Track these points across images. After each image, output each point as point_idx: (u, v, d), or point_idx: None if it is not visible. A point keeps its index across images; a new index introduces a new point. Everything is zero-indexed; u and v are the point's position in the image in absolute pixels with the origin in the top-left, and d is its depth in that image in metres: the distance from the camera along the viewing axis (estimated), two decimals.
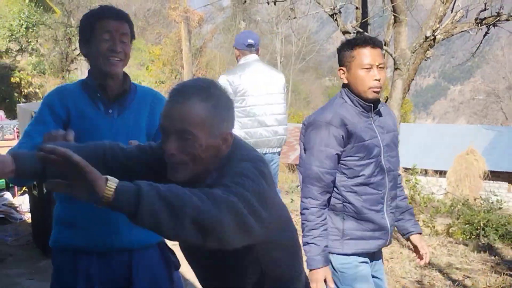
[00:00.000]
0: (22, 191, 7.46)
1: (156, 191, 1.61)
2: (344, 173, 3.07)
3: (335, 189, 3.12)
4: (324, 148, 3.01)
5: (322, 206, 3.04)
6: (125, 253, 2.62)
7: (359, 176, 3.05)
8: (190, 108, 1.90)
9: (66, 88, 2.74)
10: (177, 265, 2.87)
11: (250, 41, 5.69)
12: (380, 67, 2.99)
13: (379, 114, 3.13)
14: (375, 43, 3.00)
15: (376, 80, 2.96)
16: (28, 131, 2.59)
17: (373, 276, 3.28)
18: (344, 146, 3.03)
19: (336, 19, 9.22)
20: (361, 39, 3.08)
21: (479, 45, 8.83)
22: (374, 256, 3.27)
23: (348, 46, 3.04)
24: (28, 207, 6.68)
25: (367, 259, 3.21)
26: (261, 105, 5.51)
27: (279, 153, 5.77)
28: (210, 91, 1.96)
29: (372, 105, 3.04)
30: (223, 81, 5.46)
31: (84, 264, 2.57)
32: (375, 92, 2.99)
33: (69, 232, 2.60)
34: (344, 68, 3.06)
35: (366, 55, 2.96)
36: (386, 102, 8.72)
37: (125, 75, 2.72)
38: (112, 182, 1.59)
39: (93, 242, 2.55)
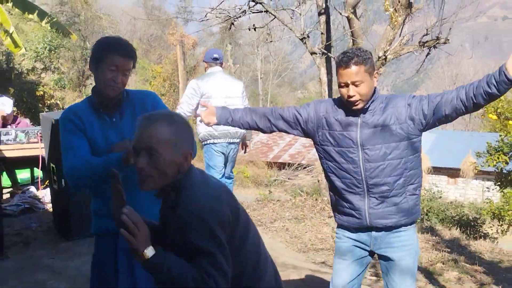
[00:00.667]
0: (44, 185, 7.41)
1: (167, 273, 1.90)
2: (324, 157, 3.07)
3: (324, 171, 3.15)
4: (304, 105, 3.19)
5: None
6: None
7: (333, 161, 3.02)
8: (155, 130, 2.00)
9: (76, 106, 2.82)
10: None
11: (215, 55, 6.18)
12: (355, 84, 2.84)
13: (370, 112, 2.96)
14: (347, 64, 2.84)
15: (349, 95, 2.86)
16: (71, 145, 2.66)
17: (380, 256, 3.14)
18: (311, 125, 3.09)
19: (305, 43, 9.23)
20: (339, 59, 2.91)
21: (422, 64, 8.88)
22: (374, 235, 3.08)
23: (335, 62, 2.98)
24: (50, 198, 6.62)
25: (354, 236, 3.12)
26: (222, 105, 5.75)
27: (237, 143, 6.17)
28: (173, 118, 2.08)
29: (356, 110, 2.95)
30: (193, 84, 5.98)
31: (123, 243, 2.51)
32: (353, 105, 2.90)
33: (105, 220, 2.64)
34: None
35: (341, 75, 2.88)
36: None
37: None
38: (148, 252, 1.91)
39: None
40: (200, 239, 1.91)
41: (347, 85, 2.86)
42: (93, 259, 2.86)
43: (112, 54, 2.64)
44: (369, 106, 2.93)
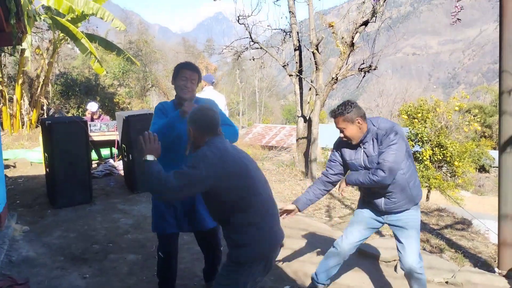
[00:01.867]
0: (119, 158, 7.45)
1: (148, 169, 2.02)
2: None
3: None
4: (331, 155, 2.99)
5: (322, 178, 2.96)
6: None
7: None
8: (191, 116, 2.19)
9: (165, 103, 2.84)
10: None
11: (214, 80, 6.51)
12: (342, 130, 2.71)
13: (367, 144, 2.73)
14: (334, 117, 2.72)
15: (342, 137, 2.75)
16: (154, 121, 2.72)
17: (392, 225, 2.86)
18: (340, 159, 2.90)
19: (286, 68, 9.18)
20: (332, 112, 2.76)
21: (360, 82, 8.82)
22: (385, 212, 2.83)
23: None
24: (122, 167, 6.66)
25: (368, 210, 2.91)
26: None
27: None
28: (197, 113, 2.18)
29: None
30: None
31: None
32: (350, 142, 2.75)
33: None
34: None
35: (334, 123, 2.75)
36: (311, 113, 8.70)
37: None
38: (148, 157, 2.04)
39: None
40: (189, 164, 2.01)
41: (340, 130, 2.76)
42: (154, 204, 2.84)
43: (182, 69, 2.70)
44: (364, 140, 2.73)
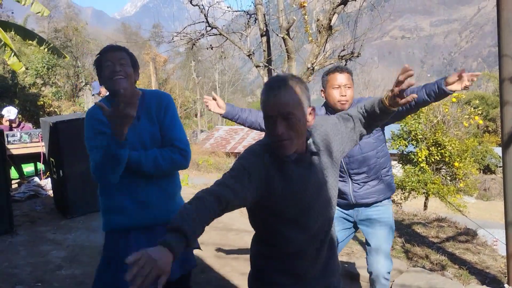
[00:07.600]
0: (46, 175, 7.29)
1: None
2: None
3: None
4: None
5: None
6: (163, 228, 2.17)
7: None
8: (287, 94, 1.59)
9: (96, 111, 2.32)
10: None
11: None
12: (347, 87, 2.83)
13: None
14: (342, 70, 2.86)
15: (342, 96, 2.83)
16: (95, 145, 2.22)
17: (362, 221, 3.03)
18: None
19: (251, 58, 9.25)
20: (333, 67, 2.90)
21: None
22: (355, 204, 2.99)
23: (325, 74, 2.91)
24: (51, 186, 6.51)
25: (342, 210, 3.05)
26: None
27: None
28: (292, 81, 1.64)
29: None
30: None
31: (134, 238, 2.29)
32: (342, 104, 2.83)
33: (114, 217, 2.30)
34: (323, 89, 2.92)
35: (335, 78, 2.84)
36: None
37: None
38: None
39: (137, 221, 2.29)
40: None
41: (338, 87, 2.86)
42: (103, 255, 2.40)
43: (104, 54, 2.29)
44: None
